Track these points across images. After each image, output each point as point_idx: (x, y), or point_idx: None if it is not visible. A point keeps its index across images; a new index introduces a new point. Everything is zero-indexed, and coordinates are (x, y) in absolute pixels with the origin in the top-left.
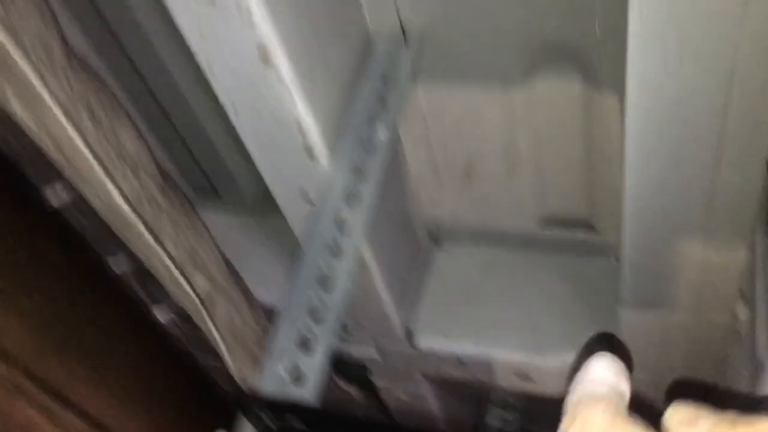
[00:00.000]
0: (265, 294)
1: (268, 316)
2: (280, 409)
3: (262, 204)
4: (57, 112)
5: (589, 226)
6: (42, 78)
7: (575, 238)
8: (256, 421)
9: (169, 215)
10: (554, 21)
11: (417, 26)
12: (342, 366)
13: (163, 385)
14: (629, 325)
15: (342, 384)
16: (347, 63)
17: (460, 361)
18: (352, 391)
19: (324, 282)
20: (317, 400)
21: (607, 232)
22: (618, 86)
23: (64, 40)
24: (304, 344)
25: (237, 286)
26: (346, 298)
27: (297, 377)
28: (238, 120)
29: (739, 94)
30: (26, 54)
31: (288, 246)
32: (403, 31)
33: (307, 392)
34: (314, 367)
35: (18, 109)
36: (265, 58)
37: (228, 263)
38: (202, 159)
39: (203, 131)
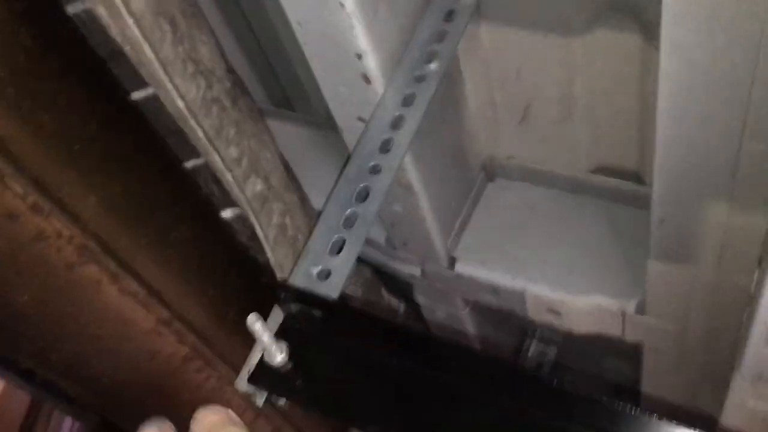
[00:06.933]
0: (322, 202)
1: None
2: (307, 300)
3: (331, 119)
4: (131, 20)
5: (638, 178)
6: None
7: (624, 188)
8: (286, 308)
9: (235, 121)
10: None
11: None
12: (389, 279)
13: (218, 269)
14: (655, 276)
15: (387, 296)
16: None
17: (495, 290)
18: (394, 302)
19: (361, 196)
20: (339, 295)
21: None
22: None
23: None
24: (335, 249)
25: (294, 192)
26: (378, 211)
27: (325, 276)
28: (305, 41)
29: (766, 66)
30: None
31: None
32: None
33: (331, 289)
34: (340, 268)
35: (103, 13)
36: None
37: (288, 171)
38: (280, 73)
39: (282, 46)
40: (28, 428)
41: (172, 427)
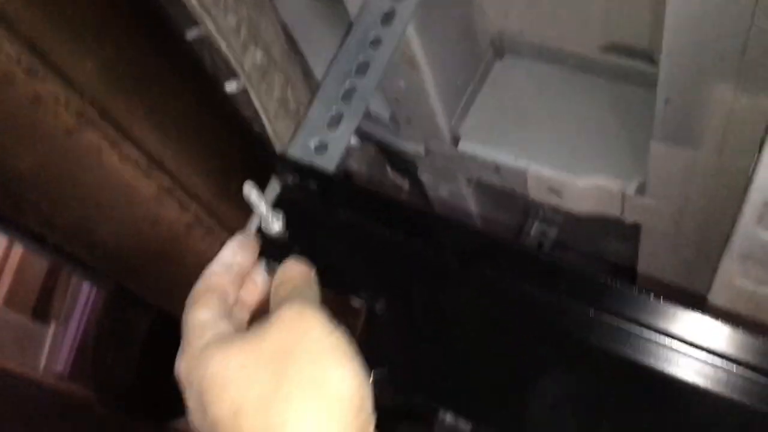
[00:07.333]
0: None
1: None
2: (305, 172)
3: None
4: None
5: (650, 58)
6: None
7: (634, 68)
8: (283, 180)
9: None
10: None
11: None
12: (394, 157)
13: (220, 141)
14: (657, 158)
15: (392, 174)
16: None
17: (497, 169)
18: (399, 180)
19: (361, 69)
20: (335, 168)
21: None
22: None
23: None
24: (334, 122)
25: (296, 64)
26: (377, 85)
27: (322, 148)
28: None
29: None
30: None
31: None
32: None
33: (328, 161)
34: (337, 142)
35: None
36: None
37: (290, 42)
38: None
39: None
40: (49, 291)
41: (255, 242)
